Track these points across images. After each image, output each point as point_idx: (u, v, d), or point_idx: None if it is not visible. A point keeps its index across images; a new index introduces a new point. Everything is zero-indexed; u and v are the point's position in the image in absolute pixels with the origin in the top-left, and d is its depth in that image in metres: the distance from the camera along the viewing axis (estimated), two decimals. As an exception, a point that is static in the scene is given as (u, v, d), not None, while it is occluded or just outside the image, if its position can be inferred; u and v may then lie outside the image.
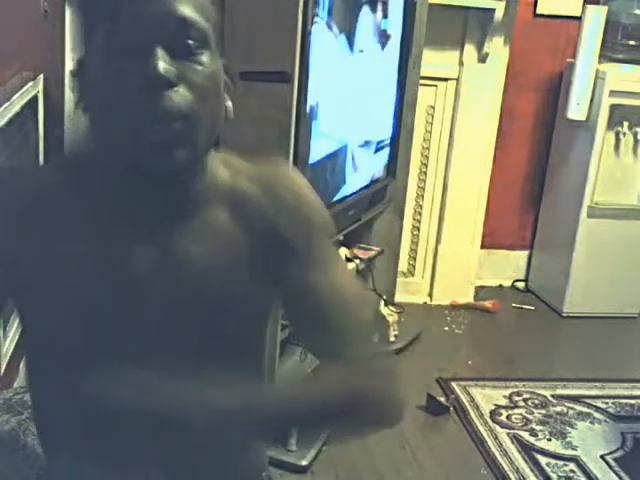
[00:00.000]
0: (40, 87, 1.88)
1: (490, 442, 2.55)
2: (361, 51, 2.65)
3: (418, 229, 3.56)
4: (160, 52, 0.90)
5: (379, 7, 2.75)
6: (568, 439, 2.60)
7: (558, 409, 2.78)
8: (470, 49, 3.30)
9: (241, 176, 1.05)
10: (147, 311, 0.98)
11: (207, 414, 0.94)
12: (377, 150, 2.96)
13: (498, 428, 2.64)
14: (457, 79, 3.36)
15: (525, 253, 3.86)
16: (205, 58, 0.94)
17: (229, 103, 1.01)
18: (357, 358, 1.03)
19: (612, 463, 2.49)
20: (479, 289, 3.71)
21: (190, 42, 0.92)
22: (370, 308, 1.12)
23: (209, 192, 1.02)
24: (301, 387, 1.11)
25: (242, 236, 1.02)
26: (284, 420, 1.02)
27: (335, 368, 1.02)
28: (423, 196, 3.52)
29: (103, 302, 0.97)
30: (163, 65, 0.89)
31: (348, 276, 1.10)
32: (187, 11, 0.92)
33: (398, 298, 3.38)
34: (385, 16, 2.80)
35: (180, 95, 0.91)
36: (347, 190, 2.73)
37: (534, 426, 2.66)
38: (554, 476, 2.40)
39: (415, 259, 3.60)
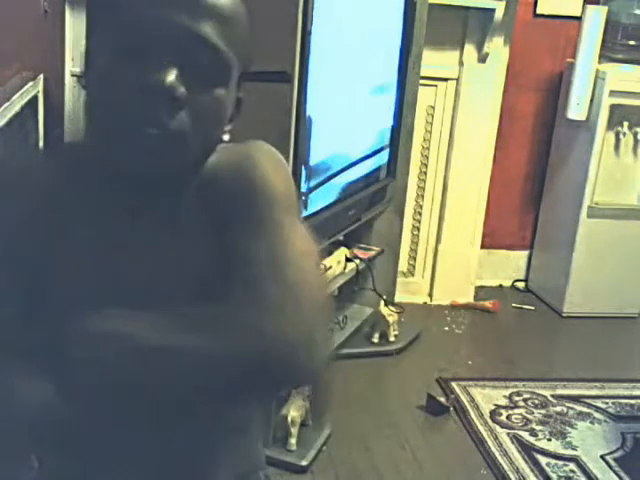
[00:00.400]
0: (40, 87, 1.89)
1: (490, 442, 2.55)
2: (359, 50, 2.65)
3: (418, 229, 3.56)
4: (174, 69, 0.89)
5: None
6: (568, 439, 2.60)
7: (558, 409, 2.78)
8: (470, 49, 3.30)
9: (211, 161, 1.03)
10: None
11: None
12: (376, 151, 2.96)
13: (498, 428, 2.64)
14: (457, 79, 3.36)
15: (525, 253, 3.86)
16: (219, 89, 0.93)
17: (227, 128, 1.01)
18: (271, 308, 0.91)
19: (612, 463, 2.49)
20: (479, 289, 3.71)
21: (208, 69, 0.91)
22: (322, 286, 1.00)
23: (195, 189, 1.01)
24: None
25: (207, 223, 1.01)
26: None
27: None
28: (423, 196, 3.52)
29: (99, 299, 0.97)
30: (171, 79, 0.89)
31: (301, 253, 0.98)
32: (215, 39, 0.91)
33: (398, 298, 3.38)
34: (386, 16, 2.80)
35: (178, 117, 0.90)
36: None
37: (534, 426, 2.66)
38: (554, 476, 2.40)
39: (415, 259, 3.60)
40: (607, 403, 2.84)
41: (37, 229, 0.99)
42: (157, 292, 0.99)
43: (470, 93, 3.36)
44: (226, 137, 1.01)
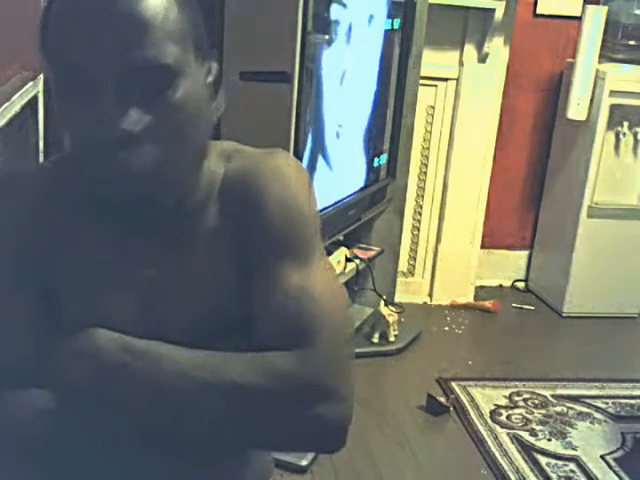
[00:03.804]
0: (40, 87, 1.88)
1: (490, 442, 2.55)
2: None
3: (418, 229, 3.56)
4: (120, 107, 0.84)
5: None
6: (568, 439, 2.60)
7: (558, 409, 2.78)
8: (470, 49, 3.30)
9: (233, 171, 1.00)
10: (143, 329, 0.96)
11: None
12: (374, 155, 2.96)
13: (498, 428, 2.64)
14: (457, 79, 3.35)
15: (525, 253, 3.86)
16: (178, 88, 0.87)
17: (221, 104, 0.97)
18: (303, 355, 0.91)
19: (612, 463, 2.49)
20: (479, 289, 3.71)
21: (156, 80, 0.86)
22: (345, 319, 0.99)
23: (202, 199, 0.99)
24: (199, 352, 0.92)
25: (230, 239, 0.99)
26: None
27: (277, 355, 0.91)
28: (423, 196, 3.52)
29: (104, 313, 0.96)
30: (126, 123, 0.84)
31: (325, 278, 0.97)
32: (143, 54, 0.84)
33: (398, 298, 3.38)
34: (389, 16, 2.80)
35: (147, 150, 0.86)
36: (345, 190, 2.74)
37: (534, 426, 2.66)
38: (554, 476, 2.40)
39: (415, 259, 3.60)
40: (607, 403, 2.84)
41: (38, 238, 0.97)
42: (167, 308, 0.97)
43: (470, 93, 3.35)
44: (220, 105, 0.97)
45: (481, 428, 2.63)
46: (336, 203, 2.64)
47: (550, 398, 2.85)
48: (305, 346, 0.91)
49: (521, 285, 3.85)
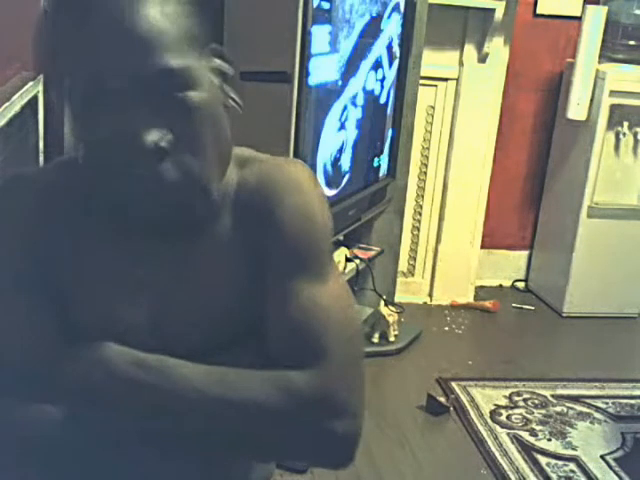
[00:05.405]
0: (40, 87, 1.88)
1: (490, 442, 2.55)
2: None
3: (418, 229, 3.56)
4: (150, 122, 0.83)
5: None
6: (568, 439, 2.60)
7: (558, 409, 2.78)
8: (470, 49, 3.30)
9: (248, 179, 0.99)
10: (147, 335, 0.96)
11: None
12: (374, 155, 2.96)
13: (498, 428, 2.64)
14: (457, 79, 3.36)
15: (525, 253, 3.86)
16: (196, 91, 0.87)
17: (235, 101, 0.96)
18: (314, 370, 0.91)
19: (612, 463, 2.49)
20: (479, 289, 3.71)
21: (174, 84, 0.85)
22: (357, 336, 0.99)
23: (217, 205, 0.97)
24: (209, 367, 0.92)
25: (242, 247, 0.98)
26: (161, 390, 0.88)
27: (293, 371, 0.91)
28: (423, 196, 3.52)
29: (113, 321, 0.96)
30: (152, 138, 0.83)
31: (338, 293, 0.96)
32: (155, 60, 0.83)
33: (398, 298, 3.38)
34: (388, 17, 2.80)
35: (176, 161, 0.85)
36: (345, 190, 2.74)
37: (534, 426, 2.66)
38: (554, 476, 2.40)
39: (415, 259, 3.60)
40: (607, 403, 2.84)
41: (43, 241, 0.96)
42: (176, 314, 0.97)
43: (470, 93, 3.36)
44: (234, 101, 0.96)
45: (481, 428, 2.63)
46: (336, 203, 2.64)
47: (550, 398, 2.85)
48: (321, 363, 0.91)
49: (521, 285, 3.86)
